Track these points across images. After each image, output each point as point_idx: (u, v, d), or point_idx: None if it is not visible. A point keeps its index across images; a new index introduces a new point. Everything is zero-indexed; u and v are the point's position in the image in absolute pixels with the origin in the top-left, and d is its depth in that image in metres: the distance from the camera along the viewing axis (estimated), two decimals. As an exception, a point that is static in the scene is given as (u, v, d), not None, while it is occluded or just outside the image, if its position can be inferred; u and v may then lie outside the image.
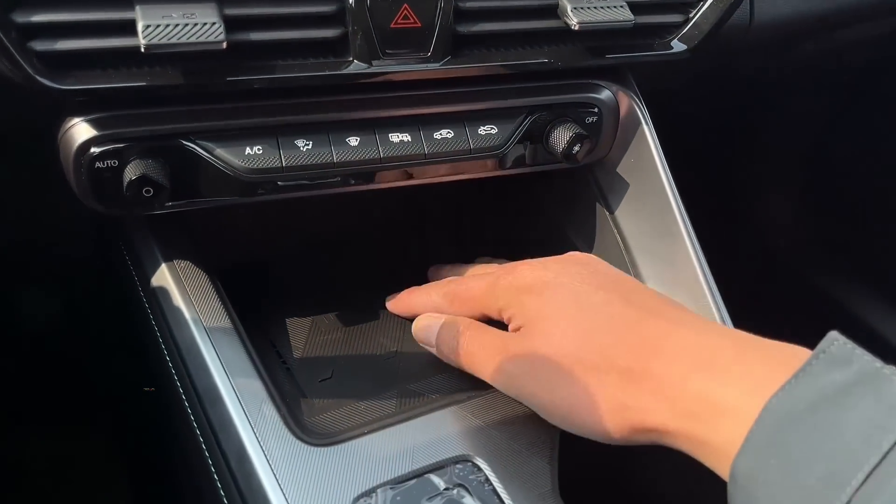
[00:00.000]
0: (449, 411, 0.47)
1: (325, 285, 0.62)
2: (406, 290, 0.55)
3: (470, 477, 0.43)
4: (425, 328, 0.51)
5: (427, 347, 0.51)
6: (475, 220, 0.71)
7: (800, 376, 0.33)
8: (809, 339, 0.36)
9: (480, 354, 0.46)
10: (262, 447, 0.43)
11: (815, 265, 1.10)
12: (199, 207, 0.49)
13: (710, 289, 0.53)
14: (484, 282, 0.48)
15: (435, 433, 0.45)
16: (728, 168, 1.07)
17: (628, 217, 0.58)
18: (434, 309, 0.51)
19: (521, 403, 0.48)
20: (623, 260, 0.59)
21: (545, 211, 0.66)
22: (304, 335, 0.56)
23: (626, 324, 0.40)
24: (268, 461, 0.42)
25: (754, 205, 1.12)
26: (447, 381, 0.51)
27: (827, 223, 1.07)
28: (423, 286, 0.55)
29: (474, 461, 0.44)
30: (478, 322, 0.48)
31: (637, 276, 0.57)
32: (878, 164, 0.98)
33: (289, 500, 0.41)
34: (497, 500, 0.42)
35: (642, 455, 0.48)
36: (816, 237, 1.09)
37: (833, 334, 0.35)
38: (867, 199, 1.01)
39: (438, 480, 0.43)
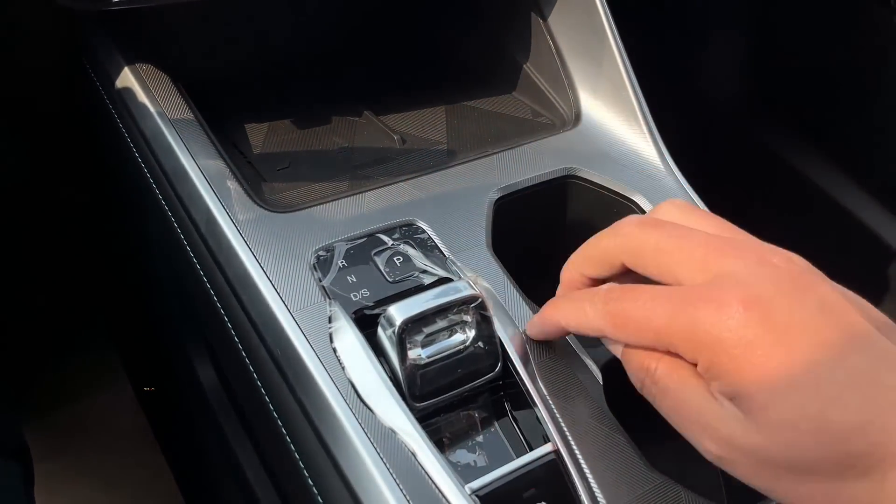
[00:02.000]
0: (396, 187, 0.53)
1: (279, 98, 0.66)
2: (549, 302, 0.42)
3: (414, 236, 0.49)
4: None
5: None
6: (421, 39, 0.75)
7: None
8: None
9: (683, 416, 0.34)
10: (228, 213, 0.48)
11: (755, 116, 1.14)
12: (154, 4, 0.52)
13: (630, 82, 0.59)
14: (671, 307, 0.33)
15: (384, 203, 0.51)
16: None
17: (559, 21, 0.63)
18: (592, 333, 0.37)
19: (458, 180, 0.54)
20: (556, 66, 0.63)
21: (487, 25, 0.70)
22: (261, 137, 0.60)
23: (862, 389, 0.29)
24: (234, 224, 0.48)
25: (703, 45, 1.15)
26: (395, 167, 0.57)
27: (772, 73, 1.10)
28: (570, 295, 0.40)
29: (418, 224, 0.50)
30: (680, 364, 0.34)
31: (567, 77, 0.62)
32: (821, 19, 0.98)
33: (256, 255, 0.46)
34: (437, 252, 0.49)
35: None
36: (759, 87, 1.12)
37: None
38: (813, 51, 1.02)
39: (387, 238, 0.49)
